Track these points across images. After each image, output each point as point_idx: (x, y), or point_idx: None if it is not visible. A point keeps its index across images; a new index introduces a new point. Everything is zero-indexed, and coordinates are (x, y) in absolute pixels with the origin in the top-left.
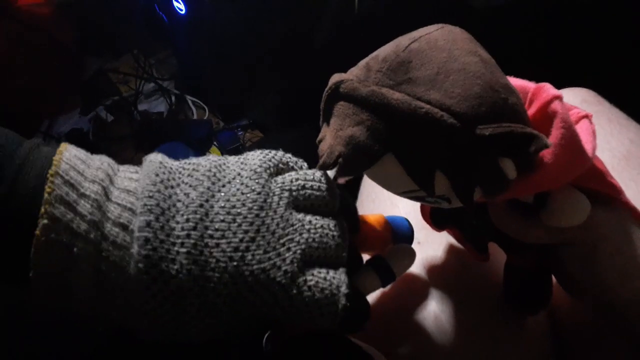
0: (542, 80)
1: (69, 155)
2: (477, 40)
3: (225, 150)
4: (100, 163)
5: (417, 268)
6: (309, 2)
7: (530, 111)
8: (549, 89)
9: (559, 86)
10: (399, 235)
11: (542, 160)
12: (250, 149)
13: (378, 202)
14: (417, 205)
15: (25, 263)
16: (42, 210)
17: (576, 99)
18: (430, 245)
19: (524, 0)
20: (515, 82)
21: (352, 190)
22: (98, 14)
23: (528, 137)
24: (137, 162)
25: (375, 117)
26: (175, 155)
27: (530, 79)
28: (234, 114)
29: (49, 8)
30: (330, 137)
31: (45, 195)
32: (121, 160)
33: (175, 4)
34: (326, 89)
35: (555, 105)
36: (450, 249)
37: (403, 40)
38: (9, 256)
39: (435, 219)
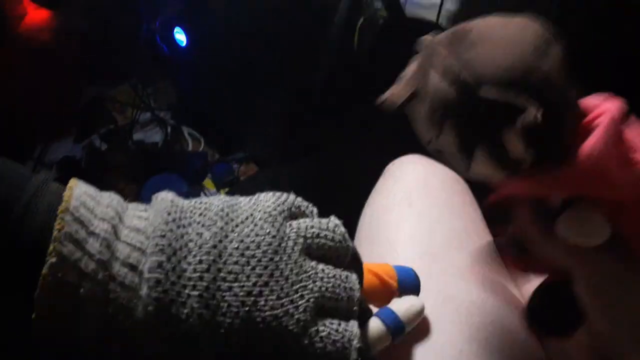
0: None
1: (79, 191)
2: None
3: (220, 183)
4: (110, 200)
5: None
6: (309, 39)
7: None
8: (606, 104)
9: None
10: (405, 285)
11: (575, 158)
12: (245, 182)
13: (377, 244)
14: (415, 249)
15: (30, 302)
16: (51, 247)
17: None
18: (430, 294)
19: None
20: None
21: (351, 222)
22: (99, 43)
23: (520, 108)
24: (129, 192)
25: (424, 60)
26: (168, 187)
27: None
28: (231, 146)
29: (49, 35)
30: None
31: (55, 232)
32: (113, 190)
33: (177, 35)
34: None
35: (602, 118)
36: (449, 298)
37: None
38: (14, 294)
39: (491, 217)
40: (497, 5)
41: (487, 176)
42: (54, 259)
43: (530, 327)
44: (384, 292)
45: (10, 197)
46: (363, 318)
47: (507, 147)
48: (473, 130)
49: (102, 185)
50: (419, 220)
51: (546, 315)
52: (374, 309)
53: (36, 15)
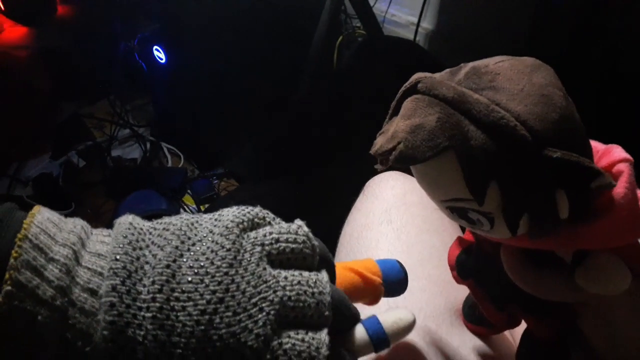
0: None
1: (41, 218)
2: None
3: (199, 199)
4: (74, 226)
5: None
6: (288, 56)
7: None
8: (619, 151)
9: None
10: (390, 279)
11: (598, 213)
12: (225, 198)
13: (362, 240)
14: (400, 250)
15: None
16: (7, 276)
17: None
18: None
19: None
20: None
21: (331, 240)
22: (77, 60)
23: (594, 171)
24: (107, 209)
25: (449, 112)
26: (147, 203)
27: None
28: (210, 162)
29: (27, 52)
30: (394, 127)
31: (11, 260)
32: (90, 207)
33: (156, 53)
34: (405, 85)
35: (623, 166)
36: (429, 316)
37: (492, 58)
38: None
39: (460, 270)
40: (473, 24)
41: (513, 236)
42: (9, 287)
43: None
44: (369, 290)
45: None
46: (346, 323)
47: (557, 208)
48: (525, 191)
49: (80, 202)
50: (398, 237)
51: None
52: (366, 310)
53: (13, 32)
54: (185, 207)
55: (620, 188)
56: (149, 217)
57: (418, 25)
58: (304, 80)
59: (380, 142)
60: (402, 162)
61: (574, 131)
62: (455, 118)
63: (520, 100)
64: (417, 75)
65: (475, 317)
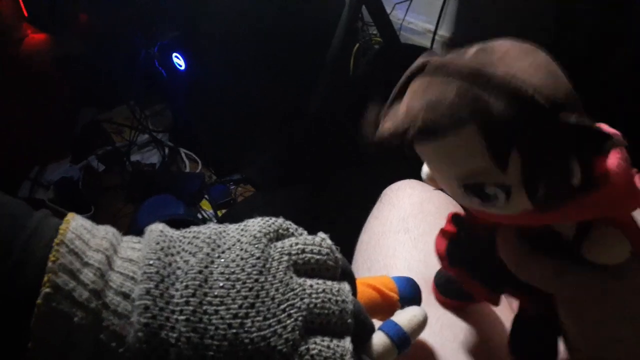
0: None
1: (76, 224)
2: None
3: (216, 204)
4: (105, 233)
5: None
6: (305, 64)
7: None
8: (606, 127)
9: None
10: (406, 295)
11: (598, 183)
12: (241, 204)
13: (374, 270)
14: (412, 275)
15: (26, 334)
16: (45, 278)
17: None
18: (428, 321)
19: None
20: None
21: (347, 248)
22: (97, 66)
23: (604, 134)
24: (126, 213)
25: (466, 86)
26: (165, 208)
27: None
28: (227, 168)
29: (49, 58)
30: (405, 107)
31: (49, 263)
32: (110, 210)
33: (175, 60)
34: (412, 67)
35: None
36: (446, 325)
37: (494, 41)
38: (12, 326)
39: (452, 259)
40: (492, 30)
41: (522, 210)
42: (47, 289)
43: (512, 358)
44: (386, 305)
45: (11, 234)
46: (365, 333)
47: (572, 174)
48: (544, 157)
49: (99, 206)
50: (415, 246)
51: (525, 348)
52: (377, 324)
53: (35, 39)
54: (202, 212)
55: (614, 159)
56: (167, 222)
57: (435, 32)
58: (320, 87)
59: (390, 124)
60: (422, 138)
61: (579, 103)
62: (474, 91)
63: (531, 73)
64: (423, 58)
65: (452, 291)
